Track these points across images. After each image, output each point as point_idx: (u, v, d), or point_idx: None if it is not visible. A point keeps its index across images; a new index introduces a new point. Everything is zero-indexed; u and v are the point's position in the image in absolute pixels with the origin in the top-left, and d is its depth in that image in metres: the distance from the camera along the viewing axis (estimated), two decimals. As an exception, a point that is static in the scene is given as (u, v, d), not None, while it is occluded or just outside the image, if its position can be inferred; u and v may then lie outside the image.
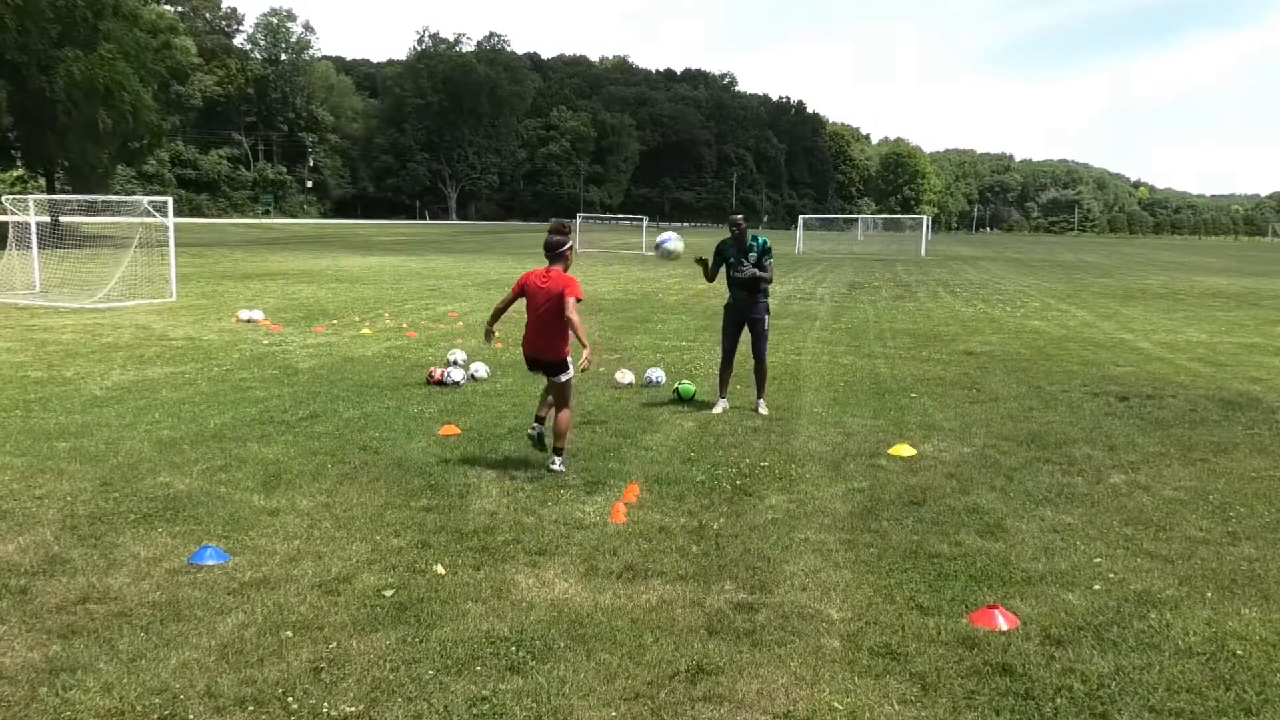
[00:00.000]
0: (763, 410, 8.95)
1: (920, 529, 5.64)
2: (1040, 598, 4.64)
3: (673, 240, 8.89)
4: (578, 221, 65.14)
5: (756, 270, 8.82)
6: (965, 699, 3.67)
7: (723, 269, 9.05)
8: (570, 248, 6.71)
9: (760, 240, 8.95)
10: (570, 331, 6.43)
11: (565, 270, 6.64)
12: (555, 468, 6.56)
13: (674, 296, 22.16)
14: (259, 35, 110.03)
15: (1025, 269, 40.48)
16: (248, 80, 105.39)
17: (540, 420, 6.85)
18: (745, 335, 9.04)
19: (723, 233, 9.68)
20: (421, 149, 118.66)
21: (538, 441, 6.78)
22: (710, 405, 9.04)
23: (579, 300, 6.45)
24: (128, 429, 7.72)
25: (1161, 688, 3.76)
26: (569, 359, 6.63)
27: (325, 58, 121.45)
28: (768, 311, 9.14)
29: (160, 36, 50.50)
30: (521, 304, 6.74)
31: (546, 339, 6.54)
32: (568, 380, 6.64)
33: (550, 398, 6.83)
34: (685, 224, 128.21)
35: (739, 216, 9.28)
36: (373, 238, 58.41)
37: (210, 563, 4.85)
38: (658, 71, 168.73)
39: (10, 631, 4.07)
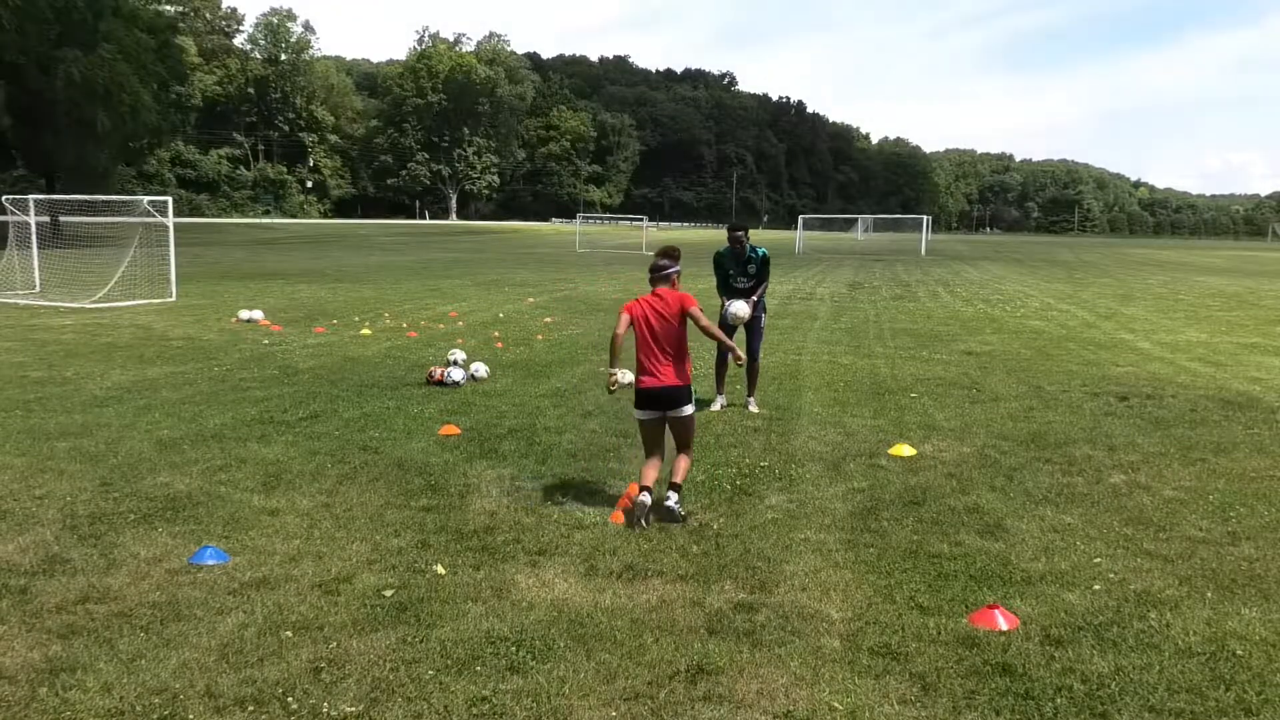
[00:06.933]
0: (753, 408, 8.94)
1: (920, 529, 5.63)
2: (1040, 598, 4.63)
3: (736, 305, 8.70)
4: (578, 222, 65.16)
5: (754, 299, 8.80)
6: (965, 699, 3.66)
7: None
8: (678, 272, 6.09)
9: (759, 251, 8.87)
10: (704, 336, 6.16)
11: (675, 289, 6.05)
12: (671, 504, 5.67)
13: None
14: (259, 35, 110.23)
15: (1025, 269, 40.47)
16: (248, 80, 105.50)
17: (649, 490, 5.69)
18: (739, 334, 9.04)
19: (722, 232, 9.59)
20: (421, 149, 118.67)
21: (648, 516, 5.60)
22: (709, 403, 9.04)
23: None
24: (128, 429, 7.72)
25: (1161, 688, 3.76)
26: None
27: (325, 58, 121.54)
28: (764, 310, 9.14)
29: (160, 36, 50.52)
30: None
31: (672, 364, 5.90)
32: (692, 413, 6.01)
33: (654, 453, 5.96)
34: (685, 224, 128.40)
35: (739, 233, 8.90)
36: (373, 236, 58.42)
37: (210, 563, 4.85)
38: (658, 71, 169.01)
39: (10, 631, 4.07)
